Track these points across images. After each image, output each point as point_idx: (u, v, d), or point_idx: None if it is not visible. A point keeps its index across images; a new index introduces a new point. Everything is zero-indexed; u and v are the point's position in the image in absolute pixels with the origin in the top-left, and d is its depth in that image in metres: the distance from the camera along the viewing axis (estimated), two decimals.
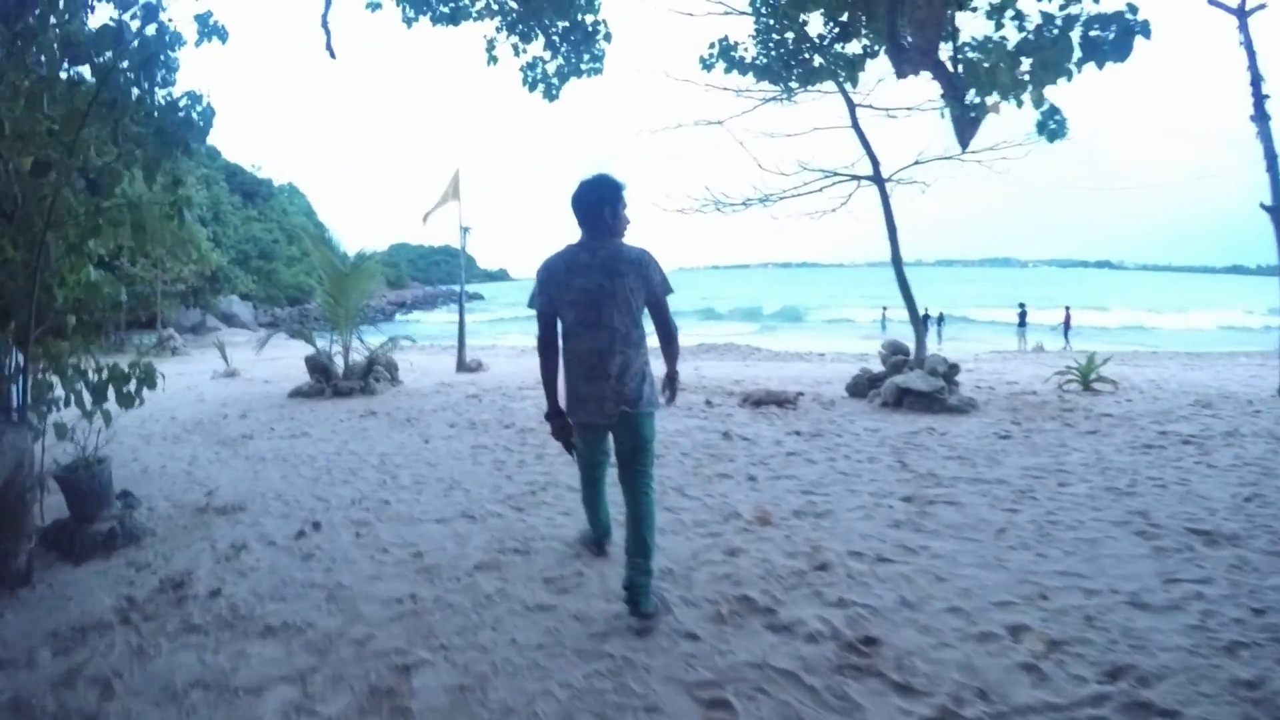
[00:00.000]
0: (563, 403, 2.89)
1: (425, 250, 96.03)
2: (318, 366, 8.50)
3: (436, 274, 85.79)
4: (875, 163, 8.21)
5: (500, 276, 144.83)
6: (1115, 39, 4.59)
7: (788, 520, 3.72)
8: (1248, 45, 8.06)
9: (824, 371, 11.89)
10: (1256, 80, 8.05)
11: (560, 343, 2.85)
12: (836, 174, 8.37)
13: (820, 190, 8.78)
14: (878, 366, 8.88)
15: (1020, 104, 5.11)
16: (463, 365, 11.86)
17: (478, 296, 69.56)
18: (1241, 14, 8.01)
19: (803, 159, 8.54)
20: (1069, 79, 4.93)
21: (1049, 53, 4.68)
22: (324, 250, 8.71)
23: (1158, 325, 33.53)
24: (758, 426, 6.14)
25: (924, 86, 8.46)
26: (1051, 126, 5.36)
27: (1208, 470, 4.62)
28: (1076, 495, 4.13)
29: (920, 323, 7.86)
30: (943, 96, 5.29)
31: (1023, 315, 23.10)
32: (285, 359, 12.12)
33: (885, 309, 34.48)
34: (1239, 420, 6.21)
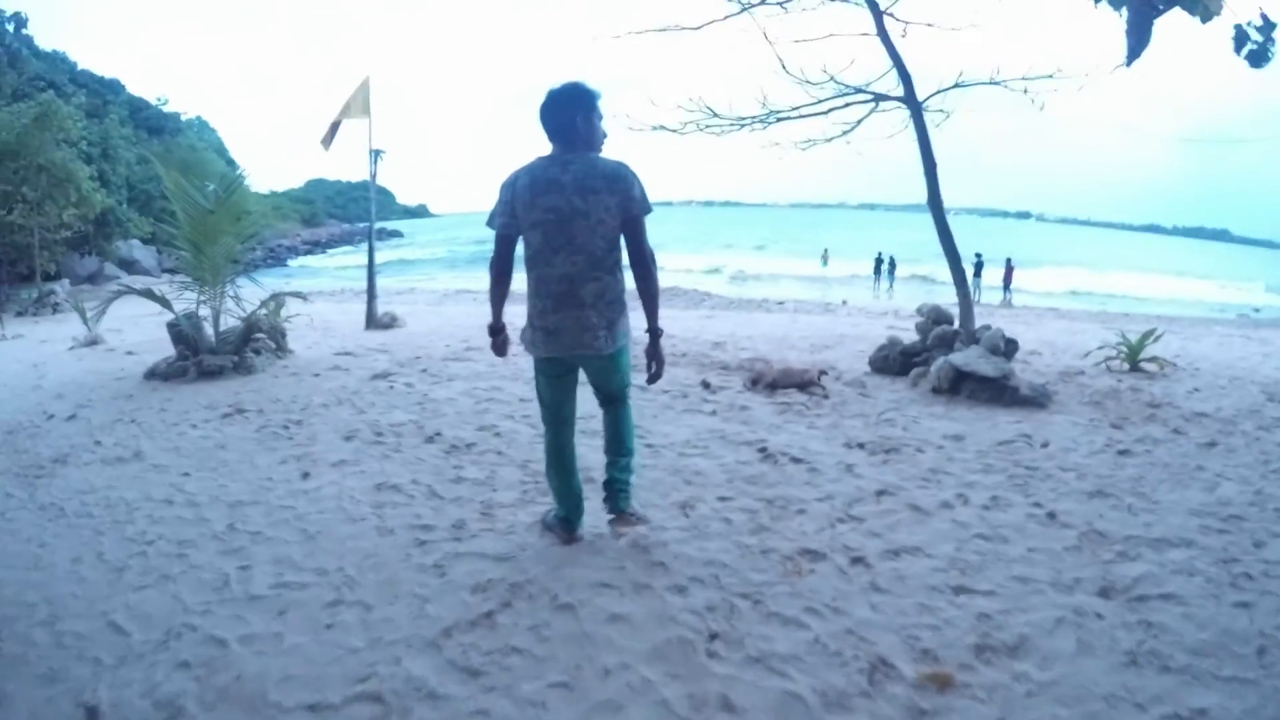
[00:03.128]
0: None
1: (344, 186, 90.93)
2: (181, 338, 6.32)
3: (355, 210, 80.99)
4: (908, 81, 6.47)
5: (420, 213, 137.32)
6: None
7: (973, 668, 2.06)
8: None
9: (807, 329, 10.25)
10: None
11: (525, 268, 2.58)
12: (861, 90, 6.61)
13: (828, 113, 7.05)
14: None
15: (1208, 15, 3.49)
16: (373, 321, 9.87)
17: (395, 234, 65.77)
18: None
19: (815, 74, 6.73)
20: None
21: None
22: (177, 176, 6.23)
23: (1104, 289, 29.33)
24: (797, 432, 4.44)
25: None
26: (1252, 46, 3.77)
27: None
28: None
29: (964, 284, 6.29)
30: None
31: (979, 266, 22.30)
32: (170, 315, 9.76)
33: (826, 251, 35.78)
34: None
